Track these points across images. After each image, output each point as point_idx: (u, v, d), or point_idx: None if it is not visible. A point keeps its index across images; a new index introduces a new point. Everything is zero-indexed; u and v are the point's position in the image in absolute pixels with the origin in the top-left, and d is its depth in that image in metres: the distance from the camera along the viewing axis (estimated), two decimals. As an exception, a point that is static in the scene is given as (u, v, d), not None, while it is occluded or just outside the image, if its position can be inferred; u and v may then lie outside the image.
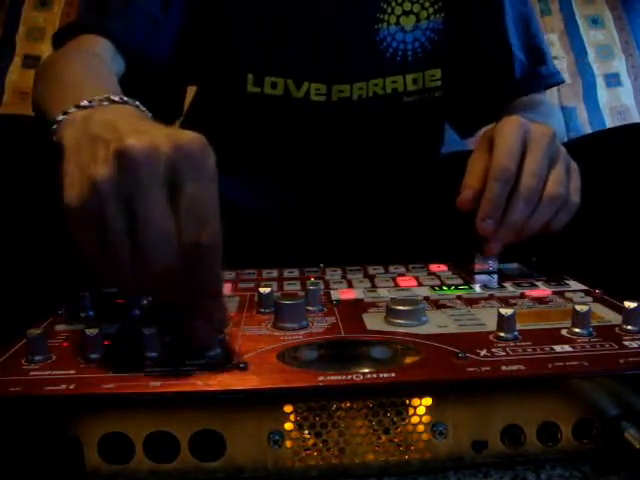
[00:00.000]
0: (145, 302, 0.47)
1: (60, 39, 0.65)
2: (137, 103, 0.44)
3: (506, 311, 0.39)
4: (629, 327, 0.39)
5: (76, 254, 0.35)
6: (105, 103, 0.42)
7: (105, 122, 0.38)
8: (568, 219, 0.53)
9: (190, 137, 0.35)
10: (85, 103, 0.42)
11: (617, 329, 0.40)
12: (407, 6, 0.73)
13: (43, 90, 0.55)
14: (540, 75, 0.78)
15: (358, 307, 0.46)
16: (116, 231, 0.34)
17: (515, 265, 0.59)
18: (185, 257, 0.34)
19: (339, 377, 0.33)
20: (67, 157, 0.37)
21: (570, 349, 0.37)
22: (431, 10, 0.74)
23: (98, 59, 0.61)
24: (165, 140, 0.34)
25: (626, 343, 0.37)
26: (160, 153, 0.34)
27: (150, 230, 0.33)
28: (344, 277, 0.56)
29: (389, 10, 0.72)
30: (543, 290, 0.50)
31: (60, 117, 0.42)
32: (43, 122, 0.49)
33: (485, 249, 0.54)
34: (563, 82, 0.84)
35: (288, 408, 0.33)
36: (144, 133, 0.35)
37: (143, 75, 0.66)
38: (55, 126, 0.42)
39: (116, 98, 0.43)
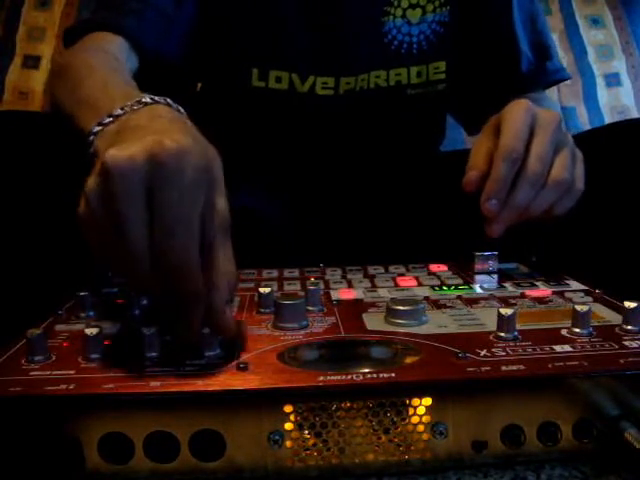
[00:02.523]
0: (145, 302, 0.47)
1: (72, 36, 0.65)
2: (168, 100, 0.44)
3: (506, 311, 0.39)
4: (629, 327, 0.39)
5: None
6: (136, 107, 0.42)
7: (132, 131, 0.39)
8: (571, 205, 0.53)
9: (169, 145, 0.35)
10: (118, 112, 0.42)
11: (617, 329, 0.40)
12: None
13: (67, 93, 0.55)
14: (546, 71, 0.78)
15: (358, 307, 0.46)
16: (103, 239, 0.35)
17: (515, 265, 0.60)
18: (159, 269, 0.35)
19: (339, 377, 0.33)
20: None
21: (570, 349, 0.37)
22: (437, 3, 0.74)
23: (115, 59, 0.61)
24: (143, 151, 0.34)
25: (626, 343, 0.37)
26: (134, 166, 0.34)
27: (124, 243, 0.34)
28: (344, 277, 0.56)
29: (396, 3, 0.72)
30: (543, 290, 0.50)
31: (96, 128, 0.42)
32: (70, 128, 0.50)
33: (488, 230, 0.53)
34: (569, 78, 0.83)
35: (288, 408, 0.33)
36: (130, 144, 0.35)
37: (155, 73, 0.66)
38: (92, 137, 0.42)
39: (147, 99, 0.43)
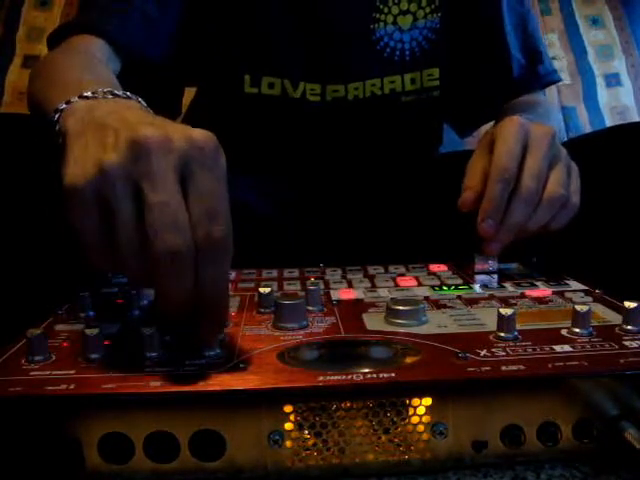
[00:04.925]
0: (145, 302, 0.47)
1: (55, 39, 0.65)
2: (139, 99, 0.44)
3: (506, 311, 0.39)
4: (629, 327, 0.39)
5: (73, 238, 0.35)
6: (109, 96, 0.42)
7: (111, 112, 0.38)
8: (568, 220, 0.53)
9: (203, 133, 0.35)
10: (88, 94, 0.42)
11: (617, 329, 0.40)
12: (404, 5, 0.73)
13: (41, 88, 0.55)
14: (538, 74, 0.79)
15: (358, 307, 0.46)
16: (123, 214, 0.33)
17: (515, 265, 0.60)
18: (195, 251, 0.33)
19: (339, 377, 0.33)
20: (71, 141, 0.36)
21: (570, 349, 0.37)
22: (428, 9, 0.74)
23: (94, 58, 0.61)
24: (178, 133, 0.34)
25: (626, 343, 0.37)
26: (174, 145, 0.34)
27: (161, 214, 0.33)
28: (344, 277, 0.56)
29: (386, 10, 0.72)
30: (543, 290, 0.50)
31: (62, 106, 0.41)
32: (42, 118, 0.49)
33: (485, 250, 0.54)
34: (560, 81, 0.84)
35: (288, 408, 0.33)
36: (156, 125, 0.35)
37: (139, 75, 0.66)
38: (57, 115, 0.41)
39: (119, 92, 0.43)
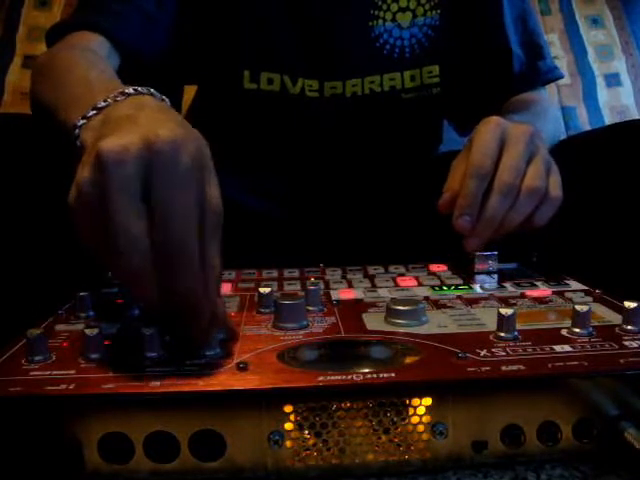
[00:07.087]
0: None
1: (54, 36, 0.65)
2: (152, 90, 0.44)
3: (506, 311, 0.39)
4: (629, 327, 0.39)
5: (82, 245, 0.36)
6: (120, 98, 0.42)
7: (115, 124, 0.38)
8: (551, 214, 0.53)
9: (165, 134, 0.34)
10: (102, 104, 0.42)
11: (617, 329, 0.40)
12: (403, 2, 0.73)
13: (48, 90, 0.55)
14: (539, 71, 0.78)
15: (358, 307, 0.46)
16: (94, 230, 0.34)
17: (515, 265, 0.60)
18: (152, 264, 0.34)
19: (339, 377, 0.33)
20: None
21: (570, 349, 0.37)
22: (427, 6, 0.74)
23: (95, 55, 0.61)
24: (139, 140, 0.34)
25: (626, 343, 0.37)
26: (130, 156, 0.34)
27: (115, 236, 0.33)
28: (344, 277, 0.56)
29: (385, 7, 0.72)
30: (543, 290, 0.50)
31: (81, 122, 0.42)
32: (52, 123, 0.50)
33: (465, 246, 0.54)
34: (562, 77, 0.84)
35: (288, 408, 0.33)
36: (125, 133, 0.35)
37: (138, 72, 0.66)
38: (77, 131, 0.42)
39: (130, 90, 0.43)
